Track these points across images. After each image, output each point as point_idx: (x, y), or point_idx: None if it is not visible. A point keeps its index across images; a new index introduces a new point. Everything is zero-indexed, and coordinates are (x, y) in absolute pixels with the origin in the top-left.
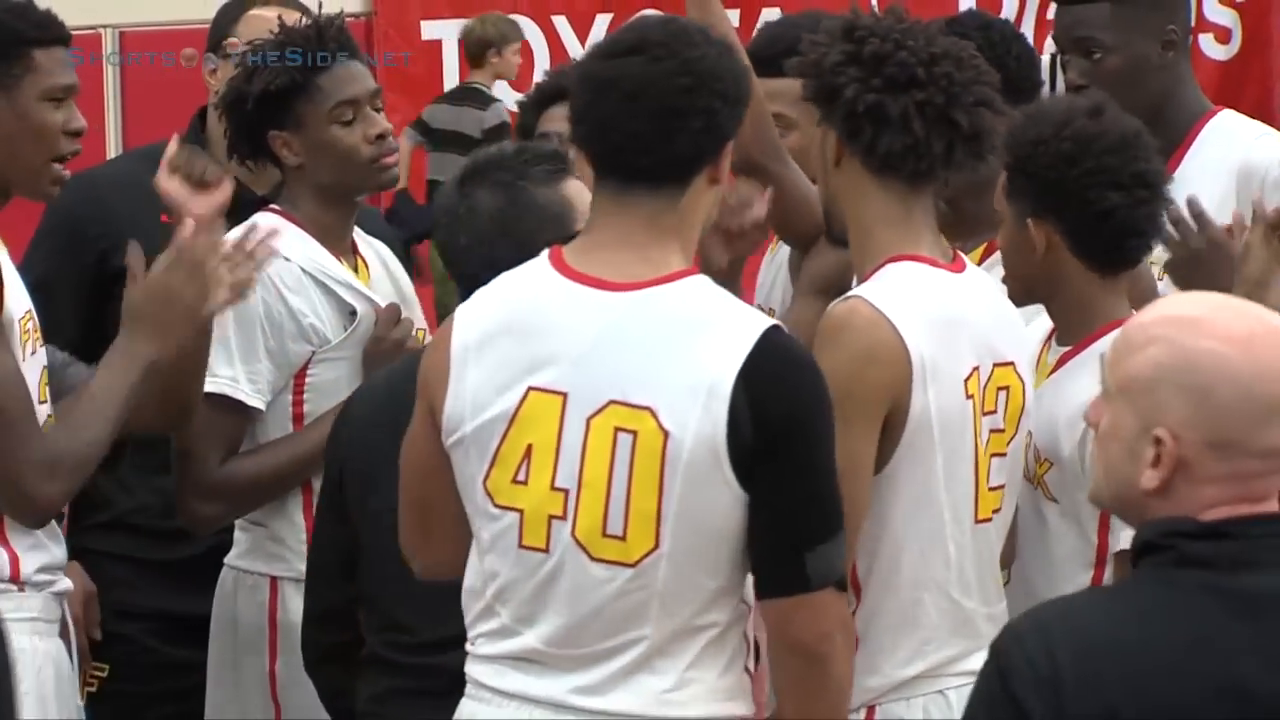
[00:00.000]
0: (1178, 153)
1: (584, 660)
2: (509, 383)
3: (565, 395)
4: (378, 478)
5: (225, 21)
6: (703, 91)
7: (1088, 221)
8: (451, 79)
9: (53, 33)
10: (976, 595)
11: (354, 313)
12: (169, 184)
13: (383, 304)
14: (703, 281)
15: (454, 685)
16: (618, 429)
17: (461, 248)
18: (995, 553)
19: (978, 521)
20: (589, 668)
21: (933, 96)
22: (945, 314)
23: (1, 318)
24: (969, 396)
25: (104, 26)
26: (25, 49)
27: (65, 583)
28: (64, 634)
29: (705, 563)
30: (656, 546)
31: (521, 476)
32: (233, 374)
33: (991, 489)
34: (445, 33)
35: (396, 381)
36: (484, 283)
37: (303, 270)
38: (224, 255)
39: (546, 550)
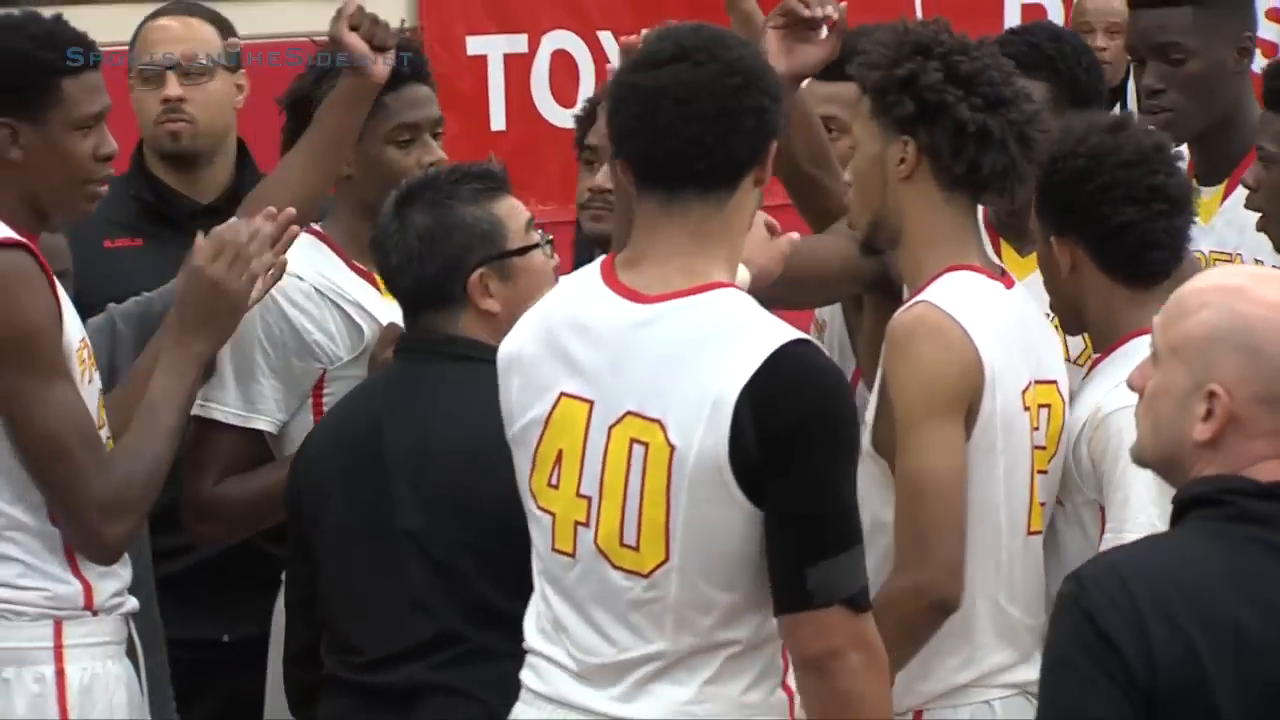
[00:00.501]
0: (1243, 163)
1: (608, 669)
2: (546, 387)
3: (592, 403)
4: (328, 500)
5: (133, 41)
6: (752, 90)
7: (1107, 236)
8: (497, 94)
9: (82, 60)
10: (1022, 605)
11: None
12: (351, 38)
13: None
14: (730, 294)
15: (408, 700)
16: (633, 440)
17: (394, 267)
18: (1041, 566)
19: (1030, 533)
20: (613, 676)
21: (1017, 116)
22: (1005, 325)
23: (61, 347)
24: (1026, 409)
25: None
26: (54, 80)
27: (132, 602)
28: (131, 653)
29: (717, 578)
30: (666, 559)
31: (554, 480)
32: (222, 395)
33: (1040, 503)
34: (490, 48)
35: (347, 407)
36: (417, 300)
37: (315, 289)
38: (255, 242)
39: (573, 555)
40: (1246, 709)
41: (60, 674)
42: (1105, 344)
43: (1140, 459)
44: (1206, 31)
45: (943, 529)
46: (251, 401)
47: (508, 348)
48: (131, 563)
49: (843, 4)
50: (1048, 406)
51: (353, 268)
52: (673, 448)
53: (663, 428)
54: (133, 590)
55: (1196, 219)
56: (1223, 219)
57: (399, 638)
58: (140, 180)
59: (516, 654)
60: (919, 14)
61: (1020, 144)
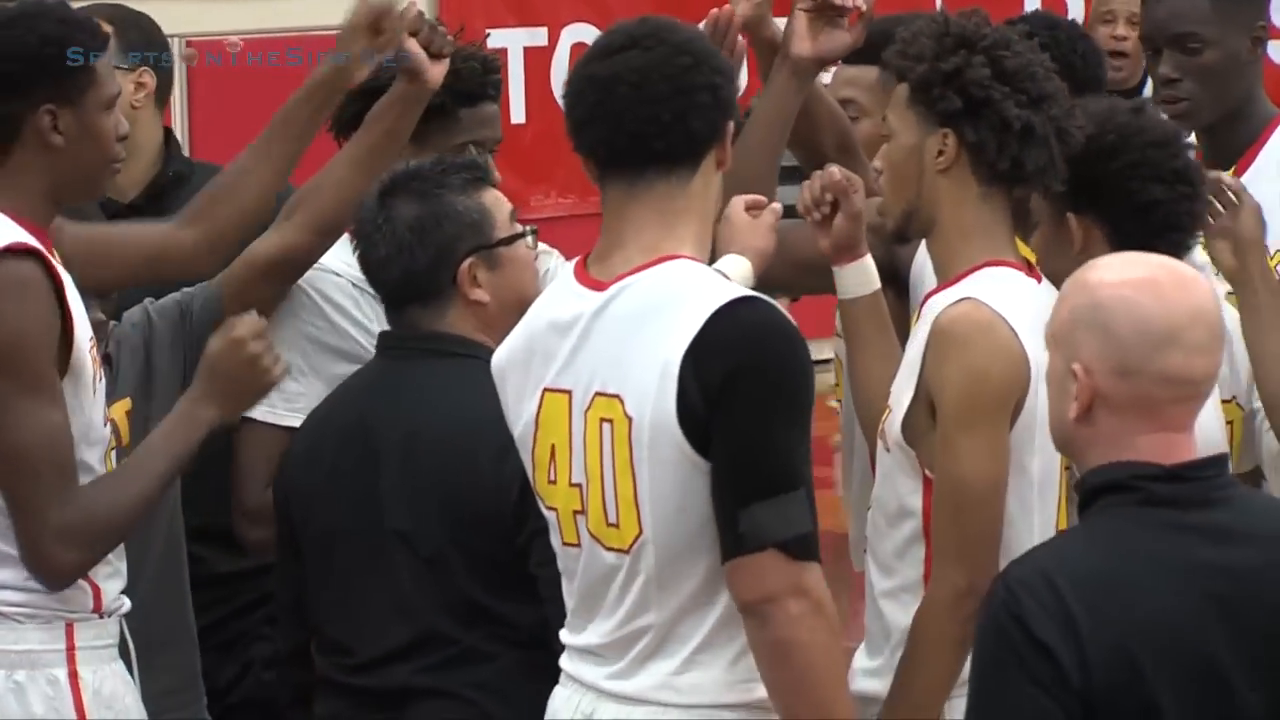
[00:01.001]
0: (1250, 151)
1: (615, 645)
2: (533, 388)
3: (570, 393)
4: (316, 501)
5: None
6: (704, 68)
7: (1130, 214)
8: (517, 86)
9: (103, 41)
10: None
11: None
12: (410, 44)
13: None
14: (681, 264)
15: (400, 702)
16: (602, 420)
17: (382, 259)
18: None
19: (1059, 531)
20: (619, 650)
21: (1057, 112)
22: (1041, 320)
23: (71, 362)
24: None
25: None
26: (89, 61)
27: (128, 603)
28: (125, 653)
29: (694, 543)
30: (641, 532)
31: (553, 476)
32: (268, 396)
33: (1067, 500)
34: (510, 41)
35: (332, 407)
36: (404, 292)
37: (353, 284)
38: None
39: (578, 545)
40: (1182, 698)
41: (73, 676)
42: None
43: (1057, 447)
44: (1223, 21)
45: (988, 535)
46: (292, 400)
47: (498, 356)
48: (163, 561)
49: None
50: None
51: None
52: (630, 420)
53: (621, 402)
54: (165, 587)
55: None
56: None
57: (388, 639)
58: None
59: (505, 653)
60: (938, 4)
61: (1059, 140)
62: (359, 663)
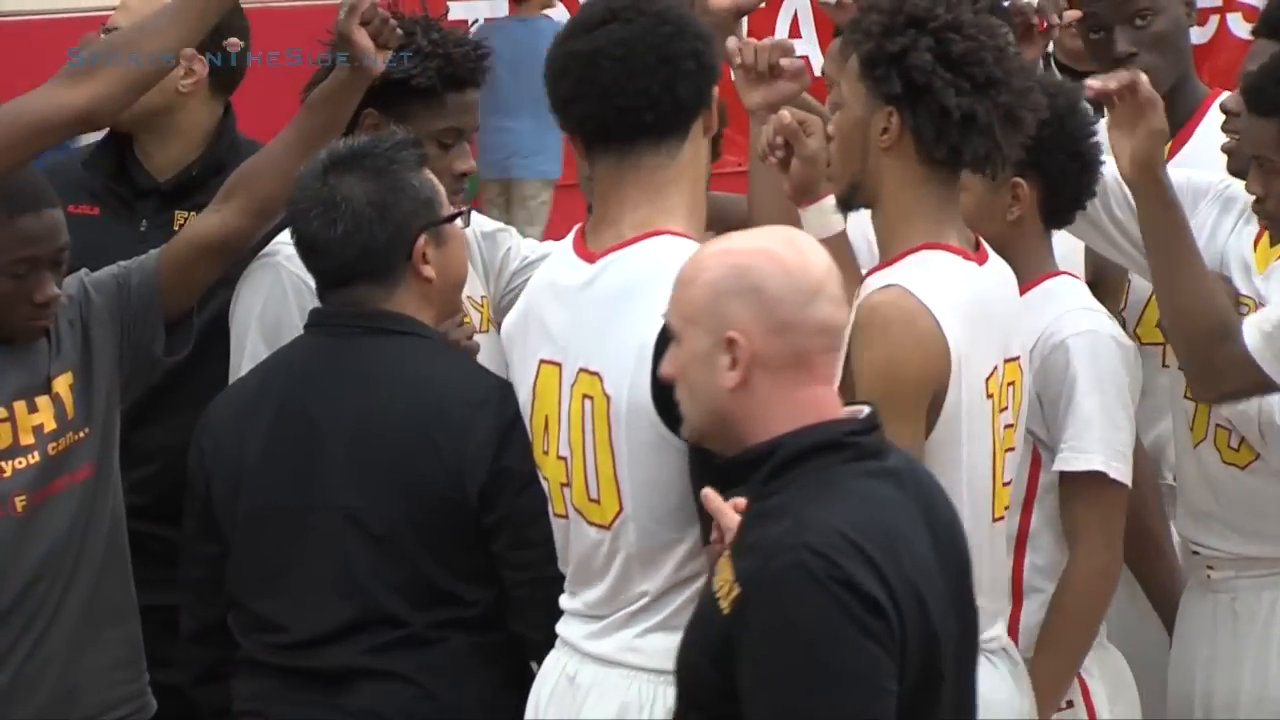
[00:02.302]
0: (1185, 130)
1: (601, 609)
2: (530, 357)
3: (560, 365)
4: (245, 479)
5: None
6: (686, 35)
7: (1072, 178)
8: None
9: None
10: (987, 593)
11: None
12: (360, 35)
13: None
14: (664, 240)
15: (338, 682)
16: (584, 396)
17: (338, 236)
18: (1004, 551)
19: (994, 520)
20: (601, 615)
21: (1007, 98)
22: (974, 309)
23: None
24: (989, 395)
25: None
26: None
27: None
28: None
29: (673, 521)
30: (622, 509)
31: (545, 447)
32: None
33: (1005, 484)
34: (474, 13)
35: (259, 384)
36: (357, 269)
37: None
38: None
39: (566, 516)
40: (945, 632)
41: None
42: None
43: (692, 436)
44: None
45: None
46: None
47: (507, 324)
48: (108, 538)
49: None
50: (1013, 384)
51: None
52: (608, 398)
53: (601, 380)
54: (110, 563)
55: None
56: None
57: (328, 618)
58: (104, 150)
59: (455, 636)
60: None
61: (1007, 125)
62: (293, 642)
